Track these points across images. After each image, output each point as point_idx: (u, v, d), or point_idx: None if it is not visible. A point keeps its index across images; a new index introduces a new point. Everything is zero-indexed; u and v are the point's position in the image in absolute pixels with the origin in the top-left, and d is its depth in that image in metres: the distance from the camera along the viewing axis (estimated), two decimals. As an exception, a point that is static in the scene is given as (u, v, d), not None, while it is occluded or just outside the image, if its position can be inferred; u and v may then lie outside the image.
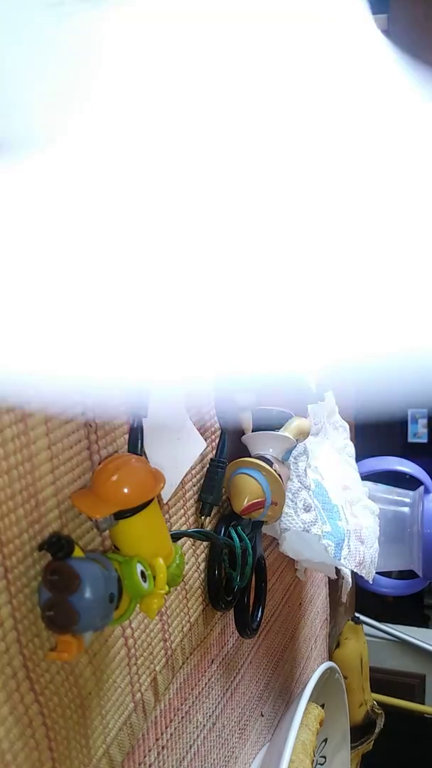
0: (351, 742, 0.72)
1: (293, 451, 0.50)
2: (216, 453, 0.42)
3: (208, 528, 0.43)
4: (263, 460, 0.43)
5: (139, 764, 0.36)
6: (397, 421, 2.33)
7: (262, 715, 0.57)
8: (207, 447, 0.41)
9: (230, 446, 0.43)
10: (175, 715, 0.40)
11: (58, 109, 0.20)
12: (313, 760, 0.50)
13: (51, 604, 0.25)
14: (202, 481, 0.41)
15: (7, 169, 0.20)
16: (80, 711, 0.30)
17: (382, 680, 1.21)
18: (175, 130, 0.20)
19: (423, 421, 2.39)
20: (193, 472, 0.40)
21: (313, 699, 0.54)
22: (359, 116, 0.21)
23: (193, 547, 0.41)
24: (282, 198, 0.21)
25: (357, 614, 0.95)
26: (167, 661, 0.38)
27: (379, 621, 1.41)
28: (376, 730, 0.87)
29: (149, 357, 0.27)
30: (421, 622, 1.74)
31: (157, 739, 0.38)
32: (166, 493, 0.37)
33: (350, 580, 0.74)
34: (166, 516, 0.38)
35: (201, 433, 0.40)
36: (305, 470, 0.52)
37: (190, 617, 0.41)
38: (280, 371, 0.31)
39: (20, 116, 0.20)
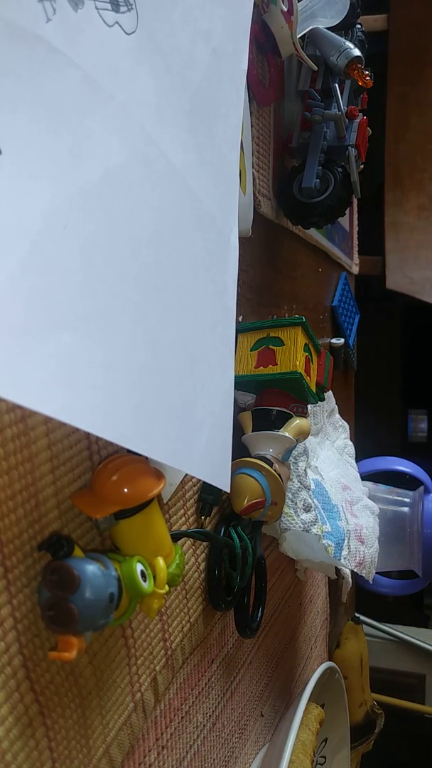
0: (351, 742, 0.72)
1: (293, 451, 0.50)
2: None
3: (208, 528, 0.43)
4: (263, 460, 0.43)
5: (139, 764, 0.36)
6: (397, 421, 2.33)
7: (262, 715, 0.57)
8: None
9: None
10: (175, 715, 0.40)
11: None
12: (313, 760, 0.50)
13: (51, 604, 0.25)
14: (202, 481, 0.41)
15: None
16: (80, 711, 0.30)
17: (382, 680, 1.21)
18: None
19: (423, 421, 2.39)
20: (193, 472, 0.40)
21: (313, 699, 0.54)
22: None
23: (193, 547, 0.41)
24: None
25: (357, 614, 0.95)
26: (167, 661, 0.38)
27: (379, 621, 1.41)
28: (376, 730, 0.87)
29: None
30: (421, 622, 1.74)
31: (157, 739, 0.38)
32: (166, 493, 0.37)
33: (350, 580, 0.74)
34: (166, 516, 0.38)
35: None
36: (305, 470, 0.52)
37: (190, 617, 0.41)
38: None
39: None
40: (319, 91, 0.52)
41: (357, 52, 0.49)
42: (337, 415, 0.74)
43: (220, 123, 0.33)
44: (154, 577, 0.30)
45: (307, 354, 0.45)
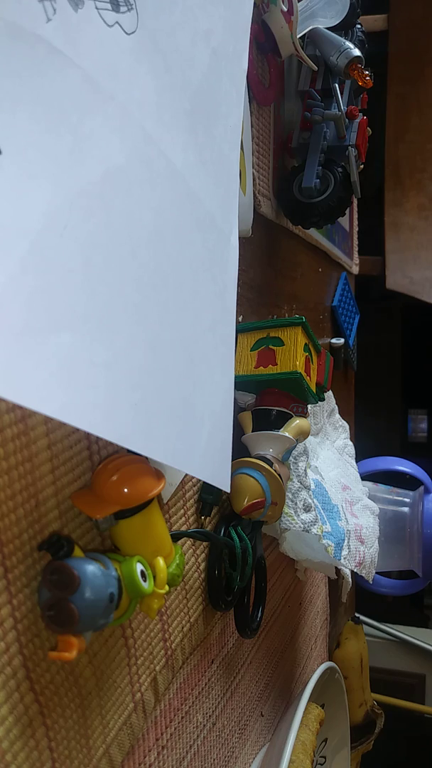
0: (351, 742, 0.72)
1: (293, 451, 0.50)
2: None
3: (208, 528, 0.43)
4: (263, 460, 0.43)
5: (139, 764, 0.36)
6: (397, 421, 2.33)
7: (262, 715, 0.57)
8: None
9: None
10: (175, 715, 0.40)
11: None
12: (313, 760, 0.50)
13: (51, 604, 0.25)
14: (202, 481, 0.41)
15: None
16: (80, 711, 0.30)
17: (382, 680, 1.21)
18: None
19: (423, 421, 2.39)
20: (193, 472, 0.40)
21: (313, 699, 0.54)
22: None
23: (193, 547, 0.41)
24: None
25: (357, 614, 0.95)
26: (167, 661, 0.38)
27: (379, 621, 1.41)
28: (376, 730, 0.87)
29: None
30: (421, 622, 1.74)
31: (157, 739, 0.38)
32: (166, 493, 0.37)
33: (350, 580, 0.74)
34: (166, 516, 0.38)
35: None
36: (305, 470, 0.52)
37: (190, 617, 0.41)
38: None
39: None
40: (319, 91, 0.52)
41: (357, 52, 0.49)
42: (337, 415, 0.74)
43: (220, 123, 0.33)
44: (154, 577, 0.30)
45: (307, 354, 0.45)
